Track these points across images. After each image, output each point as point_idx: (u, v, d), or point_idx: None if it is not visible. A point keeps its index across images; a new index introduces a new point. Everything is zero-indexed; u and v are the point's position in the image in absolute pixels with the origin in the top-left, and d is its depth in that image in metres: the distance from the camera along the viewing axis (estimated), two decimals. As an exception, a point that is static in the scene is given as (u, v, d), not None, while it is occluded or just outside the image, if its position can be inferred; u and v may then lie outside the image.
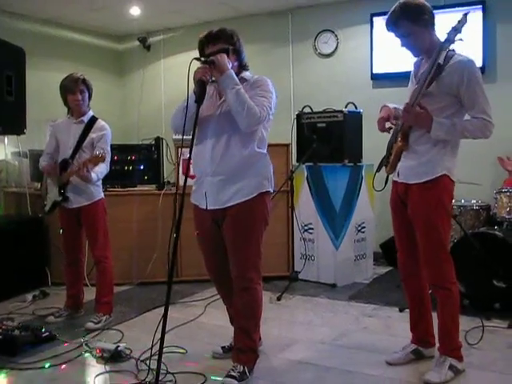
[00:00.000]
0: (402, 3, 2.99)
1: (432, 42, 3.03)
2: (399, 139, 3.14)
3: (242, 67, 3.18)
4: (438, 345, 3.23)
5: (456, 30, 2.88)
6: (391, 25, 3.03)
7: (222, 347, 3.49)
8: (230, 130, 3.06)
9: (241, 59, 3.17)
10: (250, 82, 3.12)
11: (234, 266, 3.15)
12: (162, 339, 2.67)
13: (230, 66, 2.97)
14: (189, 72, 2.89)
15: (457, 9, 5.73)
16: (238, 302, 3.17)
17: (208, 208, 3.14)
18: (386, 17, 3.04)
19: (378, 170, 3.42)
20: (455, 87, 2.95)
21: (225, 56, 2.98)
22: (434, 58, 2.92)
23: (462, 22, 2.87)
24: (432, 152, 3.05)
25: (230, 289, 3.23)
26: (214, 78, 3.00)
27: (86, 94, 4.21)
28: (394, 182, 3.28)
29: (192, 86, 2.95)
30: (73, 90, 4.14)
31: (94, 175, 4.02)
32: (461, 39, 2.91)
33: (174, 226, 2.85)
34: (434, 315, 3.25)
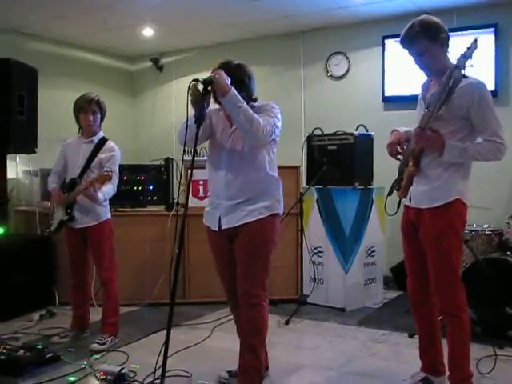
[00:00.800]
0: (421, 20, 2.95)
1: (445, 64, 2.99)
2: (411, 164, 3.11)
3: (249, 100, 3.18)
4: (448, 373, 3.15)
5: (465, 56, 2.83)
6: (407, 41, 2.98)
7: (229, 371, 3.44)
8: (242, 157, 3.15)
9: (249, 92, 3.18)
10: (257, 108, 3.15)
11: (241, 282, 3.18)
12: (164, 364, 2.64)
13: (228, 81, 2.93)
14: (188, 94, 2.92)
15: (469, 31, 5.70)
16: (245, 319, 3.19)
17: (222, 228, 3.20)
18: (402, 33, 2.99)
19: (390, 193, 3.37)
20: (466, 110, 2.91)
21: (222, 72, 2.94)
22: (446, 82, 2.87)
23: (472, 47, 2.84)
24: (444, 176, 3.00)
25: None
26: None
27: (98, 115, 4.22)
28: (406, 207, 3.23)
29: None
30: (85, 110, 4.16)
31: (100, 195, 4.01)
32: (471, 65, 2.88)
33: (175, 247, 2.85)
34: (445, 342, 3.18)
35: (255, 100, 3.23)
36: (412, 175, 3.11)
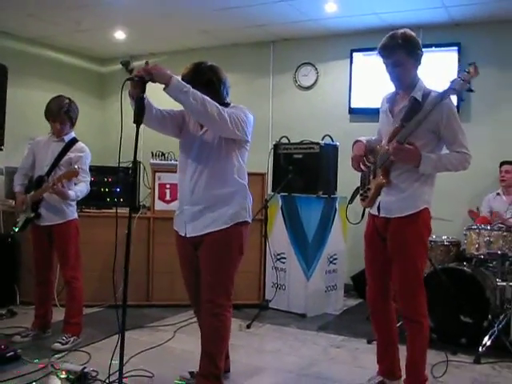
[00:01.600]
0: (403, 33, 3.04)
1: (414, 79, 3.12)
2: (380, 176, 3.19)
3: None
4: (404, 377, 3.25)
5: (464, 80, 2.91)
6: (387, 51, 3.04)
7: (190, 372, 3.45)
8: (208, 161, 3.09)
9: (218, 94, 3.09)
10: (230, 107, 3.10)
11: (206, 291, 3.14)
12: (120, 364, 2.68)
13: (168, 71, 2.81)
14: (121, 93, 2.84)
15: (434, 49, 5.89)
16: (206, 327, 3.17)
17: (187, 235, 3.17)
18: (383, 41, 3.05)
19: (351, 202, 3.49)
20: (435, 124, 3.03)
21: (158, 65, 2.84)
22: (433, 103, 2.95)
23: (472, 73, 2.91)
24: (414, 187, 3.11)
25: None
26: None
27: (67, 125, 4.21)
28: (372, 216, 3.31)
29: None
30: (53, 119, 4.16)
31: (72, 193, 4.03)
32: (472, 90, 3.00)
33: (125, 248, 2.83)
34: (401, 348, 3.28)
35: (226, 105, 3.11)
36: (381, 186, 3.19)
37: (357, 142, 3.39)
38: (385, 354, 3.40)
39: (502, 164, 5.48)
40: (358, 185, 3.52)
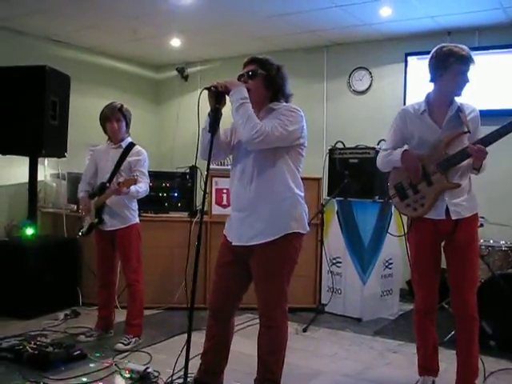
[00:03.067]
0: None
1: None
2: (445, 180, 3.27)
3: (277, 98, 3.11)
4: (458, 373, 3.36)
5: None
6: (472, 60, 3.23)
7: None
8: (254, 164, 3.02)
9: (276, 88, 3.10)
10: (277, 110, 3.04)
11: (260, 304, 3.10)
12: (186, 365, 2.77)
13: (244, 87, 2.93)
14: (198, 101, 2.88)
15: (491, 51, 5.82)
16: (262, 338, 3.13)
17: (233, 244, 3.11)
18: (467, 49, 3.23)
19: (382, 213, 3.69)
20: (473, 134, 3.27)
21: (233, 80, 2.99)
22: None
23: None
24: (472, 187, 3.35)
25: (225, 329, 3.25)
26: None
27: (123, 123, 4.36)
28: (432, 222, 3.33)
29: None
30: (109, 119, 4.33)
31: (133, 188, 4.13)
32: None
33: (192, 251, 2.92)
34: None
35: (285, 99, 3.14)
36: (444, 190, 3.27)
37: (406, 151, 3.40)
38: (434, 354, 3.49)
39: None
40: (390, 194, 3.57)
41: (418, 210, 3.37)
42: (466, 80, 3.25)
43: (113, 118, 4.32)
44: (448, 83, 3.25)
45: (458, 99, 3.31)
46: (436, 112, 3.32)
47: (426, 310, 3.45)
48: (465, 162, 3.24)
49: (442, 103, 3.31)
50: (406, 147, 3.43)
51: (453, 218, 3.27)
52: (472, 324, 3.27)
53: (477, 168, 3.22)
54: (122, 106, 4.38)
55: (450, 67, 3.20)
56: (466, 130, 3.23)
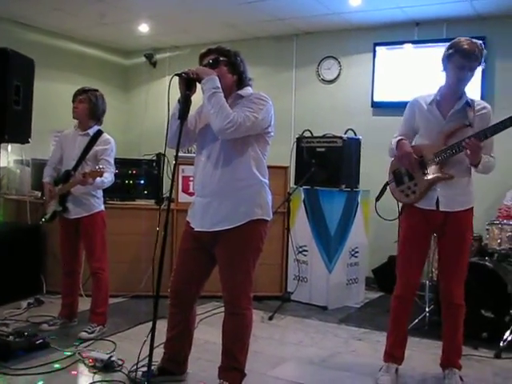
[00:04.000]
0: (481, 44, 3.28)
1: None
2: (440, 170, 3.34)
3: (242, 83, 3.12)
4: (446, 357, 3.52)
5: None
6: (473, 55, 3.21)
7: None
8: (221, 150, 3.01)
9: (239, 73, 3.10)
10: (246, 98, 3.04)
11: (224, 291, 3.11)
12: (150, 354, 2.75)
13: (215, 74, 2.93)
14: (169, 88, 2.85)
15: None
16: (226, 325, 3.14)
17: (195, 229, 3.12)
18: (469, 45, 3.22)
19: (378, 198, 3.70)
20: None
21: (205, 68, 2.98)
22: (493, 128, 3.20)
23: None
24: (470, 183, 3.40)
25: (187, 317, 3.26)
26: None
27: (86, 105, 4.27)
28: (421, 211, 3.42)
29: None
30: (74, 99, 4.30)
31: (98, 179, 4.05)
32: None
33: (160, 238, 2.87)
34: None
35: (248, 83, 3.13)
36: (438, 181, 3.35)
37: (401, 140, 3.47)
38: (403, 342, 3.58)
39: None
40: (386, 181, 3.64)
41: (410, 196, 3.46)
42: (463, 76, 3.26)
43: (76, 99, 4.27)
44: (450, 75, 3.32)
45: (472, 96, 3.38)
46: (444, 104, 3.38)
47: (404, 297, 3.51)
48: (462, 156, 3.27)
49: (450, 96, 3.36)
50: (400, 137, 3.50)
51: (441, 209, 3.34)
52: (458, 311, 3.41)
53: (474, 164, 3.25)
54: (92, 89, 4.32)
55: (450, 58, 3.27)
56: (467, 123, 3.28)
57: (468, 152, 3.21)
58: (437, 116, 3.38)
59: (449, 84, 3.36)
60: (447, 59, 3.29)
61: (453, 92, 3.35)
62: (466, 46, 3.20)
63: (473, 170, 3.36)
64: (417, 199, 3.42)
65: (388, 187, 3.64)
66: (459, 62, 3.22)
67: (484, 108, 3.36)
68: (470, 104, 3.33)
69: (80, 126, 4.34)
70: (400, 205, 3.61)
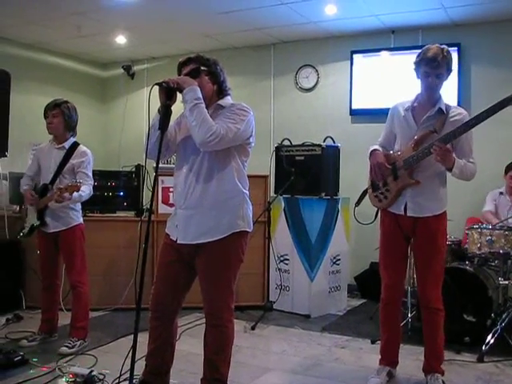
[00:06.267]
0: (448, 50, 3.29)
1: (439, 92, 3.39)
2: (408, 177, 3.37)
3: (221, 92, 3.08)
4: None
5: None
6: (436, 62, 3.21)
7: None
8: (204, 162, 2.96)
9: (219, 83, 3.07)
10: (227, 108, 3.00)
11: (206, 303, 3.04)
12: (132, 367, 2.71)
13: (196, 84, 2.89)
14: (149, 98, 2.77)
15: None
16: (208, 337, 3.09)
17: (177, 242, 3.04)
18: (433, 52, 3.23)
19: (358, 204, 3.69)
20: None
21: (186, 77, 2.92)
22: (471, 123, 3.19)
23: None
24: (440, 188, 3.41)
25: (168, 329, 3.16)
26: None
27: (60, 119, 4.22)
28: (394, 215, 3.48)
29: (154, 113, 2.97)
30: (46, 113, 4.23)
31: (76, 194, 3.99)
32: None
33: (140, 253, 2.79)
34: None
35: (227, 93, 3.09)
36: (406, 187, 3.39)
37: (374, 151, 3.53)
38: (394, 345, 3.61)
39: (508, 169, 5.33)
40: (366, 187, 3.69)
41: (382, 201, 3.53)
42: (429, 83, 3.29)
43: (49, 113, 4.21)
44: (421, 82, 3.36)
45: (449, 102, 3.43)
46: (419, 110, 3.42)
47: (389, 300, 3.55)
48: (431, 161, 3.29)
49: (425, 102, 3.40)
50: (375, 147, 3.55)
51: (408, 214, 3.39)
52: (437, 316, 3.42)
53: (447, 168, 3.26)
54: (63, 102, 4.26)
55: (418, 66, 3.33)
56: (432, 129, 3.31)
57: (438, 157, 3.22)
58: (410, 123, 3.43)
59: (422, 91, 3.40)
60: (417, 67, 3.34)
61: (427, 99, 3.39)
62: (429, 54, 3.24)
63: (449, 175, 3.38)
64: (388, 204, 3.49)
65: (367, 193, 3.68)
66: (424, 69, 3.27)
67: (458, 114, 3.36)
68: (443, 111, 3.35)
69: (56, 139, 4.29)
70: (379, 210, 3.65)
